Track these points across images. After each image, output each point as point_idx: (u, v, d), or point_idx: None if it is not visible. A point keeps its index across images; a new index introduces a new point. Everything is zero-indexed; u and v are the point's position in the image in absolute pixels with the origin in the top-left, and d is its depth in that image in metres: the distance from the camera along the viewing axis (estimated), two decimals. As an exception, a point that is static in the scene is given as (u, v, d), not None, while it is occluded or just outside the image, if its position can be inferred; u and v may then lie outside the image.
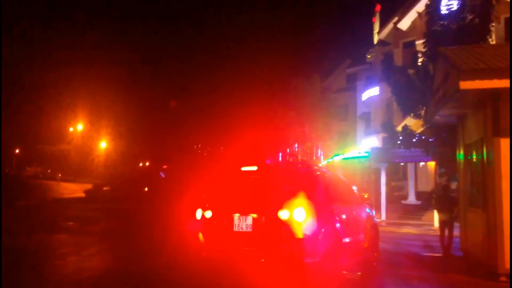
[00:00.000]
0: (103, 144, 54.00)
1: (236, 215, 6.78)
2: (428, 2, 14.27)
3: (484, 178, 8.93)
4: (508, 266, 7.84)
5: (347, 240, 7.54)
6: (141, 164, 51.72)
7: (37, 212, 17.91)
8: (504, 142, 8.12)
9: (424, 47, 14.04)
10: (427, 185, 24.14)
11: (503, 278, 7.87)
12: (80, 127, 52.29)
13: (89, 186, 32.04)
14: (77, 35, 66.91)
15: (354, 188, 10.89)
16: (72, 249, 10.66)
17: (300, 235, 6.38)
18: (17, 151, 54.71)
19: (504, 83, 7.86)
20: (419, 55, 14.74)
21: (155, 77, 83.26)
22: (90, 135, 52.83)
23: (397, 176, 27.36)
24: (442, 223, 11.51)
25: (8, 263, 8.36)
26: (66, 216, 15.85)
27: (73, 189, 35.53)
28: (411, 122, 16.32)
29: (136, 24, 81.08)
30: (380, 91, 29.08)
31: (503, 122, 8.18)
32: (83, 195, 30.30)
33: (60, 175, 40.82)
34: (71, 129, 52.67)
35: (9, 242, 10.74)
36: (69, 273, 8.07)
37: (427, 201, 22.73)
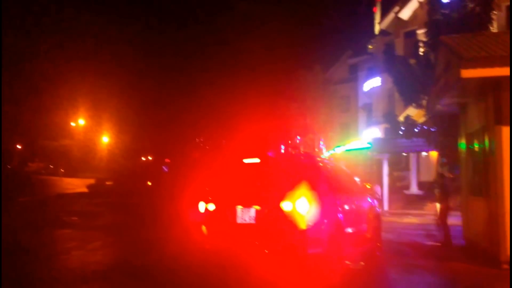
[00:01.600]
0: (106, 139, 54.08)
1: (239, 207, 6.81)
2: (429, -9, 14.19)
3: (485, 166, 8.95)
4: (510, 253, 7.88)
5: (350, 230, 7.57)
6: (143, 158, 51.85)
7: (40, 207, 17.97)
8: (506, 131, 8.12)
9: (425, 37, 14.01)
10: (429, 175, 24.12)
11: (505, 266, 7.90)
12: (82, 122, 52.31)
13: (92, 181, 32.13)
14: (79, 28, 66.72)
15: (357, 179, 10.90)
16: (76, 243, 10.67)
17: (303, 226, 6.40)
18: (19, 146, 54.69)
19: (505, 71, 7.85)
20: (421, 44, 14.69)
21: (157, 70, 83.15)
22: (92, 130, 52.88)
23: (399, 166, 27.35)
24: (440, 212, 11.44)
25: (12, 258, 8.39)
26: (69, 211, 15.91)
27: (76, 184, 35.60)
28: (413, 112, 16.30)
29: (138, 17, 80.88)
30: (382, 81, 29.03)
31: (505, 110, 8.18)
32: (86, 190, 30.42)
33: (62, 170, 40.77)
34: (73, 124, 52.68)
35: (13, 238, 10.78)
36: (74, 268, 8.07)
37: (429, 191, 22.73)
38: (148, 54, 77.78)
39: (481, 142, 9.27)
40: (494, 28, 13.52)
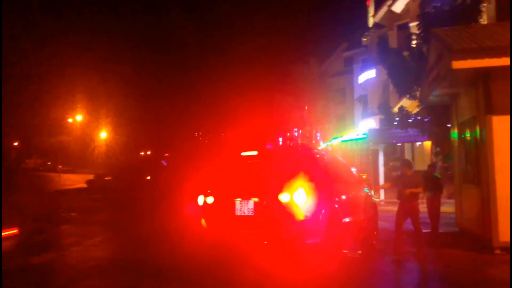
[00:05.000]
0: (104, 134, 53.67)
1: (238, 200, 6.91)
2: (421, -16, 14.31)
3: (477, 155, 9.15)
4: (502, 239, 8.11)
5: (347, 220, 7.70)
6: (142, 153, 51.71)
7: (39, 204, 17.93)
8: (496, 120, 8.33)
9: (417, 29, 14.12)
10: (424, 165, 24.30)
11: (497, 251, 8.15)
12: (79, 117, 51.73)
13: (90, 176, 32.11)
14: (75, 22, 66.00)
15: (353, 169, 11.06)
16: (75, 239, 10.61)
17: (301, 217, 6.54)
18: (15, 143, 54.11)
19: (494, 61, 8.06)
20: (413, 37, 14.82)
21: (155, 64, 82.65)
22: (90, 125, 52.32)
23: (394, 156, 27.54)
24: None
25: (11, 255, 8.43)
26: (68, 207, 15.88)
27: (75, 180, 35.56)
28: (407, 103, 16.48)
29: (135, 11, 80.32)
30: (377, 73, 29.18)
31: (495, 100, 8.38)
32: (85, 185, 30.46)
33: (60, 166, 40.52)
34: (70, 120, 52.17)
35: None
36: (74, 264, 8.10)
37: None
38: (146, 48, 77.19)
39: (473, 131, 9.46)
40: (484, 20, 13.68)
